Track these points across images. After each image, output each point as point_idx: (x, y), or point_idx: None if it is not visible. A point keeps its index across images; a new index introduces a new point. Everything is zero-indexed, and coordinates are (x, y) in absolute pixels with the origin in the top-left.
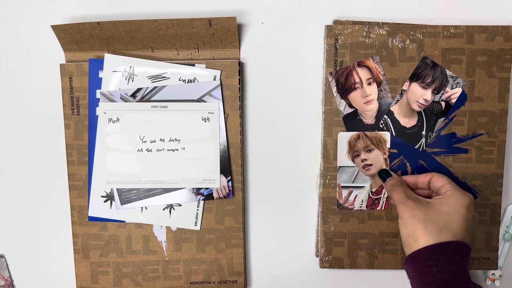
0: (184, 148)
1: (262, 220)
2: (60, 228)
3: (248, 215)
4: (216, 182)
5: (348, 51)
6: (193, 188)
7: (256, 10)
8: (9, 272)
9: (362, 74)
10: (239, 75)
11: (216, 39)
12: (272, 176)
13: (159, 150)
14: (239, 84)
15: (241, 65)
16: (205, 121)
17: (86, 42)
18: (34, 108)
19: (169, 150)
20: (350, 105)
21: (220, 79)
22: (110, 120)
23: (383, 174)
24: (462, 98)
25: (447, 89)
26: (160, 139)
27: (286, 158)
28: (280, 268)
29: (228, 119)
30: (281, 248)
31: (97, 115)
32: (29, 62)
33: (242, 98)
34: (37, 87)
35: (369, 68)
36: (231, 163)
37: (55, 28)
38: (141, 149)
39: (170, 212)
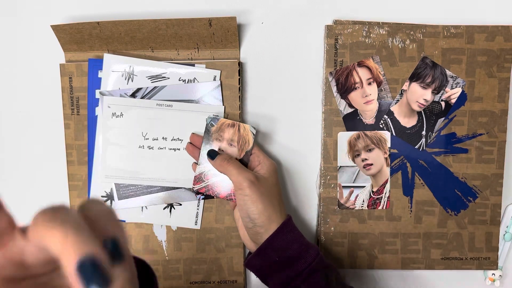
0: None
1: None
2: None
3: None
4: None
5: (348, 51)
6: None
7: (256, 10)
8: None
9: (362, 74)
10: (239, 75)
11: (216, 39)
12: None
13: (160, 148)
14: (239, 84)
15: (241, 65)
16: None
17: (86, 42)
18: (33, 108)
19: (170, 149)
20: (350, 105)
21: (220, 79)
22: (113, 114)
23: (211, 154)
24: (462, 98)
25: (447, 89)
26: (163, 138)
27: (286, 158)
28: None
29: (228, 119)
30: None
31: (97, 115)
32: (29, 62)
33: (242, 98)
34: (36, 87)
35: (369, 68)
36: None
37: (55, 28)
38: (143, 146)
39: (170, 211)
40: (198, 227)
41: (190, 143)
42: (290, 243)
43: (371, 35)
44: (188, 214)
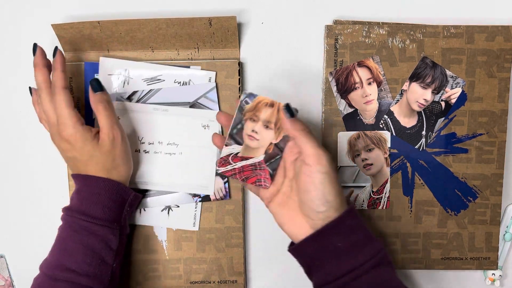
0: (181, 152)
1: (262, 220)
2: None
3: (248, 215)
4: (210, 189)
5: (348, 51)
6: None
7: (256, 10)
8: (9, 272)
9: (362, 74)
10: (239, 75)
11: (216, 38)
12: None
13: (156, 153)
14: (239, 84)
15: (241, 65)
16: (205, 128)
17: (86, 42)
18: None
19: (166, 153)
20: (350, 105)
21: (215, 81)
22: None
23: (289, 109)
24: (462, 98)
25: (447, 89)
26: (159, 142)
27: None
28: (280, 268)
29: None
30: (281, 248)
31: (94, 118)
32: (30, 62)
33: None
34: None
35: (369, 68)
36: None
37: (56, 27)
38: (139, 150)
39: (168, 213)
40: (196, 228)
41: (216, 133)
42: (356, 229)
43: (371, 35)
44: (186, 216)
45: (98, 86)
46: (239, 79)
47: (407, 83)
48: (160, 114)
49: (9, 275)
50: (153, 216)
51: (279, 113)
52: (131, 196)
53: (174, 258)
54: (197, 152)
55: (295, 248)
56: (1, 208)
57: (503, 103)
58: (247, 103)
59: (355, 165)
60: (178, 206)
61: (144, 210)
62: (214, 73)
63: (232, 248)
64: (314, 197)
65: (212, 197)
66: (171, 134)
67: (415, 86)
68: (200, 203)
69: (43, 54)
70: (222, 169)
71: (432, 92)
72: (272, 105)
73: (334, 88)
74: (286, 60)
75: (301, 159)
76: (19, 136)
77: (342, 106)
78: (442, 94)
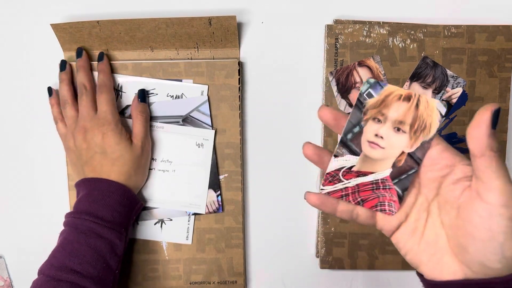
0: (175, 170)
1: (262, 220)
2: (59, 228)
3: (248, 215)
4: (202, 207)
5: (349, 50)
6: None
7: (256, 9)
8: (8, 272)
9: (362, 73)
10: (239, 75)
11: (216, 38)
12: (272, 176)
13: (150, 169)
14: (239, 84)
15: (241, 64)
16: (199, 147)
17: (85, 41)
18: (33, 108)
19: (159, 170)
20: (351, 105)
21: (207, 94)
22: None
23: (496, 117)
24: (463, 98)
25: (448, 89)
26: (153, 159)
27: (286, 158)
28: (280, 269)
29: (228, 119)
30: (281, 249)
31: None
32: (29, 62)
33: (242, 98)
34: (36, 87)
35: (369, 68)
36: (231, 162)
37: (55, 27)
38: None
39: (161, 226)
40: (189, 242)
41: (309, 142)
42: None
43: (372, 34)
44: (179, 229)
45: (144, 97)
46: (239, 79)
47: (407, 83)
48: (155, 131)
49: (8, 275)
50: (146, 230)
51: (418, 109)
52: (138, 204)
53: (174, 259)
54: (191, 170)
55: (433, 285)
56: (1, 208)
57: (504, 103)
58: (370, 96)
59: None
60: (171, 220)
61: (137, 223)
62: (206, 86)
63: (232, 249)
64: (488, 250)
65: (205, 211)
66: (166, 151)
67: (415, 86)
68: (193, 216)
69: (88, 57)
70: (328, 188)
71: (433, 92)
72: (408, 98)
73: (335, 88)
74: (286, 60)
75: (474, 188)
76: (19, 136)
77: (343, 106)
78: (442, 94)
